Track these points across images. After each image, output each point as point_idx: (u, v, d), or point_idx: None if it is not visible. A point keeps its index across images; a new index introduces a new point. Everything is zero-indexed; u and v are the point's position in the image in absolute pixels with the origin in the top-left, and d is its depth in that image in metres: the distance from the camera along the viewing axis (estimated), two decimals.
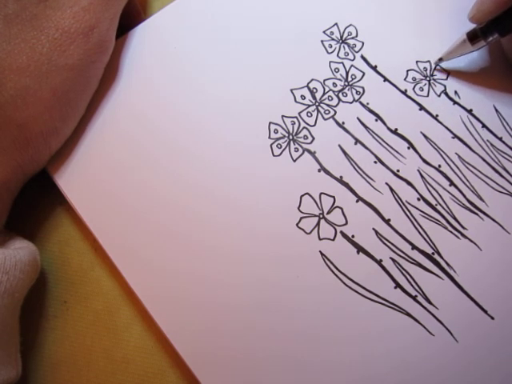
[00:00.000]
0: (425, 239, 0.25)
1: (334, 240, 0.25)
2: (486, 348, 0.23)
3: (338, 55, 0.28)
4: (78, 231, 0.27)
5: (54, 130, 0.24)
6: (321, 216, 0.25)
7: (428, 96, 0.27)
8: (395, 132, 0.27)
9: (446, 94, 0.27)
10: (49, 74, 0.23)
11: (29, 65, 0.22)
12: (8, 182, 0.23)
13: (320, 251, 0.25)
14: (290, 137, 0.27)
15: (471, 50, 0.26)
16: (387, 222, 0.25)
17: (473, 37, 0.26)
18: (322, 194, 0.26)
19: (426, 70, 0.28)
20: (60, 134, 0.24)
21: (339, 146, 0.26)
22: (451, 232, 0.25)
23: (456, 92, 0.27)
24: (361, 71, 0.28)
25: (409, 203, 0.25)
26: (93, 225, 0.25)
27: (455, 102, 0.27)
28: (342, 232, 0.25)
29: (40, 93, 0.23)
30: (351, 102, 0.27)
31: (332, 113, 0.27)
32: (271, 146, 0.26)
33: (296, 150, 0.26)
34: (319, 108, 0.27)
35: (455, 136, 0.27)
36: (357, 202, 0.25)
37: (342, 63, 0.28)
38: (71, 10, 0.23)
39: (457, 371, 0.23)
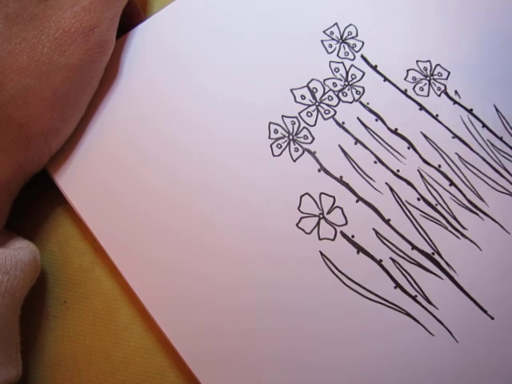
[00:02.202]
0: (425, 239, 0.25)
1: (333, 240, 0.25)
2: (486, 348, 0.23)
3: (338, 55, 0.28)
4: (78, 231, 0.27)
5: (54, 129, 0.24)
6: (321, 216, 0.25)
7: (428, 96, 0.28)
8: (395, 132, 0.27)
9: (446, 94, 0.28)
10: (49, 73, 0.23)
11: (29, 64, 0.23)
12: (8, 182, 0.23)
13: (320, 251, 0.25)
14: (290, 137, 0.27)
15: None
16: (387, 222, 0.25)
17: None
18: (321, 194, 0.26)
19: (426, 70, 0.28)
20: (60, 133, 0.25)
21: (339, 146, 0.27)
22: (451, 232, 0.25)
23: (456, 92, 0.28)
24: (361, 71, 0.28)
25: (409, 203, 0.26)
26: (93, 225, 0.25)
27: (455, 102, 0.27)
28: (341, 232, 0.25)
29: (40, 92, 0.23)
30: (351, 102, 0.27)
31: (332, 113, 0.27)
32: (271, 146, 0.27)
33: (296, 149, 0.27)
34: (319, 108, 0.27)
35: (455, 136, 0.27)
36: (357, 202, 0.26)
37: (342, 63, 0.28)
38: (72, 10, 0.23)
39: (457, 371, 0.23)
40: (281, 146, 0.27)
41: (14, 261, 0.22)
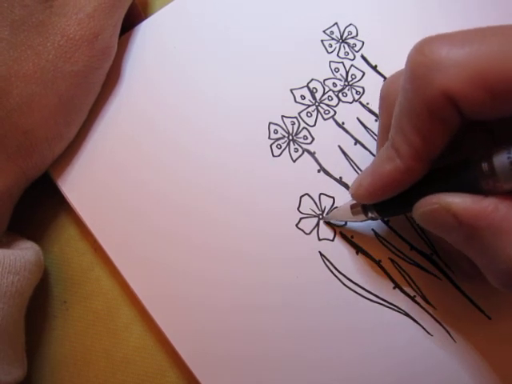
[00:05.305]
0: (423, 240, 0.26)
1: (333, 241, 0.26)
2: (484, 348, 0.24)
3: (338, 55, 0.29)
4: (78, 231, 0.28)
5: (58, 135, 0.25)
6: (320, 217, 0.26)
7: None
8: None
9: None
10: (54, 80, 0.24)
11: (35, 71, 0.23)
12: (11, 189, 0.24)
13: (319, 252, 0.26)
14: (290, 137, 0.28)
15: (354, 219, 0.25)
16: (386, 222, 0.26)
17: (355, 209, 0.24)
18: (321, 194, 0.27)
19: None
20: (64, 138, 0.26)
21: (339, 146, 0.27)
22: None
23: None
24: (361, 71, 0.29)
25: None
26: (93, 225, 0.26)
27: None
28: (341, 233, 0.26)
29: (46, 99, 0.24)
30: (351, 102, 0.28)
31: (332, 113, 0.28)
32: (271, 146, 0.27)
33: (296, 150, 0.27)
34: (319, 108, 0.28)
35: None
36: None
37: (342, 63, 0.29)
38: (76, 17, 0.24)
39: (455, 371, 0.24)
40: (280, 147, 0.27)
41: (22, 261, 0.22)
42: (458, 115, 0.18)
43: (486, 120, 0.18)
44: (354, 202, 0.24)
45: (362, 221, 0.24)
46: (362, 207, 0.24)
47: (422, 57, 0.18)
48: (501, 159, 0.18)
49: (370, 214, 0.23)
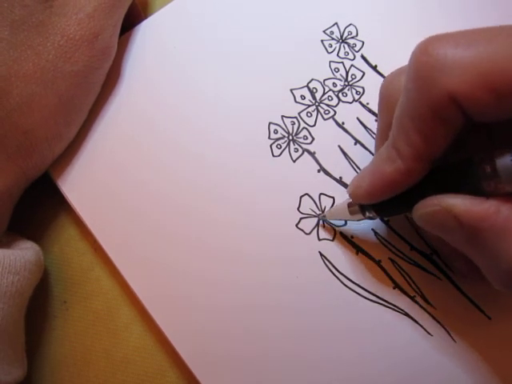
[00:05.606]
0: (423, 240, 0.26)
1: (333, 240, 0.26)
2: (484, 348, 0.24)
3: (338, 55, 0.29)
4: (78, 231, 0.28)
5: (58, 135, 0.25)
6: (320, 216, 0.26)
7: None
8: None
9: None
10: (54, 80, 0.24)
11: (35, 71, 0.23)
12: (11, 189, 0.24)
13: (319, 252, 0.26)
14: (290, 137, 0.28)
15: (352, 218, 0.24)
16: (386, 222, 0.26)
17: (353, 207, 0.24)
18: (321, 194, 0.27)
19: None
20: (64, 138, 0.26)
21: (339, 146, 0.27)
22: None
23: None
24: (361, 71, 0.29)
25: None
26: (93, 225, 0.26)
27: None
28: (341, 233, 0.26)
29: (46, 99, 0.24)
30: (351, 102, 0.28)
31: (332, 113, 0.28)
32: (271, 146, 0.28)
33: (296, 150, 0.27)
34: (319, 108, 0.28)
35: None
36: None
37: (342, 63, 0.29)
38: (76, 17, 0.24)
39: (454, 371, 0.24)
40: (280, 147, 0.28)
41: (22, 261, 0.23)
42: (462, 116, 0.18)
43: (490, 121, 0.18)
44: (348, 203, 0.24)
45: (359, 220, 0.24)
46: (359, 206, 0.23)
47: (426, 57, 0.18)
48: (504, 161, 0.17)
49: (367, 214, 0.23)
